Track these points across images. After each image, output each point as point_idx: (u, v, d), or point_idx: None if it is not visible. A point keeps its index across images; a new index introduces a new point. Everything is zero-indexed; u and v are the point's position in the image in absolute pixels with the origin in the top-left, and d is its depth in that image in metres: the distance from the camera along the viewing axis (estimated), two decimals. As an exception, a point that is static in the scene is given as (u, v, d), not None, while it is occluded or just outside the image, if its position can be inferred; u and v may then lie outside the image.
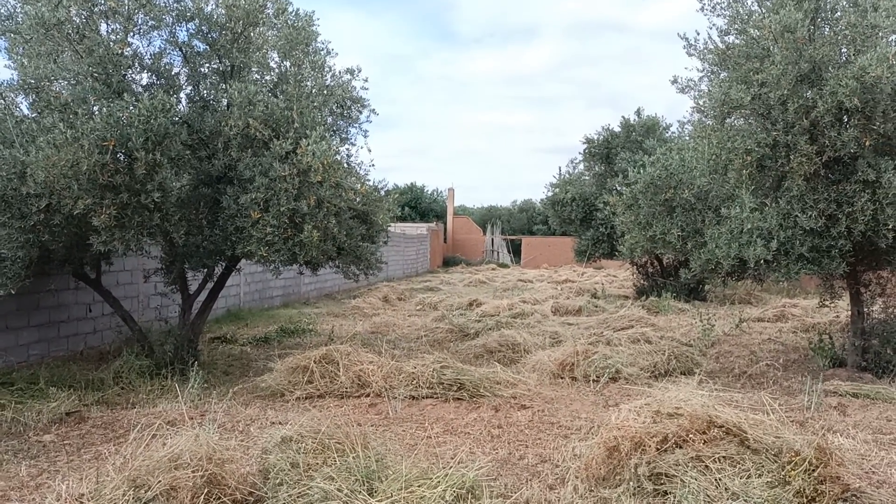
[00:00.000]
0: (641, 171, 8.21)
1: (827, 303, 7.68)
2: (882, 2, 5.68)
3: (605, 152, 16.76)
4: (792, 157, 5.88)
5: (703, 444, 3.58)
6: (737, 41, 6.26)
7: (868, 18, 5.64)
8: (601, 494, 3.60)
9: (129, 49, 6.02)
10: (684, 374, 7.04)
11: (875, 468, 4.14)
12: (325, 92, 6.84)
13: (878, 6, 5.68)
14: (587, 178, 17.55)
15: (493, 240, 38.38)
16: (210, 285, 7.47)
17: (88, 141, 5.13)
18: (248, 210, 5.88)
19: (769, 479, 3.41)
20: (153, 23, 6.21)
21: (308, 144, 5.76)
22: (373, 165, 7.69)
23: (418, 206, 43.49)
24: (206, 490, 3.21)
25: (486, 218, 43.23)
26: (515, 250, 37.55)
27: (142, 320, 7.96)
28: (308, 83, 6.83)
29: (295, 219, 5.90)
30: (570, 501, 3.56)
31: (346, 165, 6.63)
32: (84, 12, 5.85)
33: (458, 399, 5.95)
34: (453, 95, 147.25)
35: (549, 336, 9.05)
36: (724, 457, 3.53)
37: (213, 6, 6.45)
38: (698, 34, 6.50)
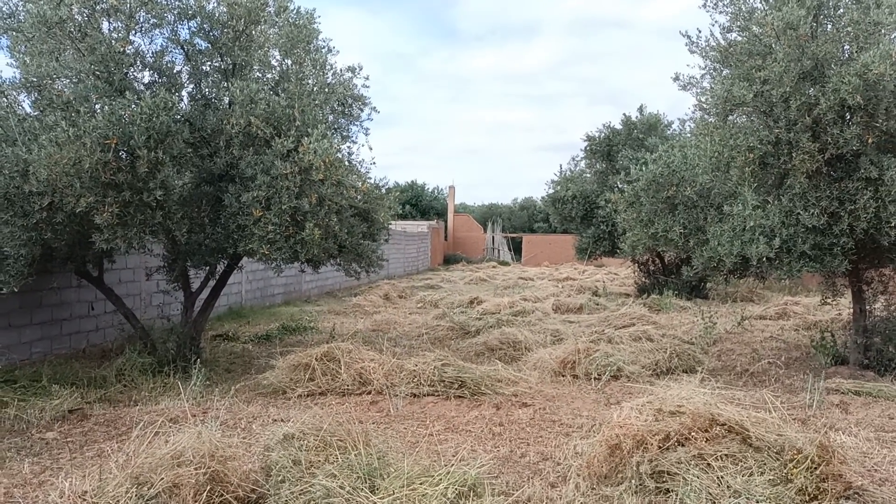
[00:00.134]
0: (644, 169, 8.20)
1: (829, 300, 7.67)
2: (885, -1, 5.67)
3: (607, 150, 16.74)
4: (794, 154, 5.87)
5: (706, 441, 3.58)
6: (739, 38, 6.25)
7: (871, 15, 5.63)
8: (603, 492, 3.60)
9: (130, 47, 6.02)
10: (686, 372, 7.04)
11: (877, 466, 4.14)
12: (326, 90, 6.84)
13: (882, 3, 5.67)
14: (588, 175, 17.53)
15: (493, 237, 38.35)
16: (212, 283, 7.48)
17: (91, 139, 5.13)
18: (250, 208, 5.88)
19: (771, 477, 3.41)
20: (155, 21, 6.20)
21: (310, 143, 5.77)
22: (374, 163, 7.70)
23: (419, 203, 43.46)
24: (208, 487, 3.22)
25: (487, 216, 43.20)
26: (516, 248, 37.54)
27: (144, 318, 7.97)
28: (309, 81, 6.83)
29: (296, 217, 5.90)
30: (571, 499, 3.56)
31: (347, 163, 6.63)
32: (86, 10, 5.85)
33: (460, 397, 5.96)
34: (454, 93, 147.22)
35: (550, 334, 9.05)
36: (726, 455, 3.53)
37: (215, 4, 6.44)
38: (700, 32, 6.50)
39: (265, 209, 5.88)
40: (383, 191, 7.22)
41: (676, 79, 6.74)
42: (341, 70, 7.08)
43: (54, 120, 5.23)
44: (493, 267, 29.00)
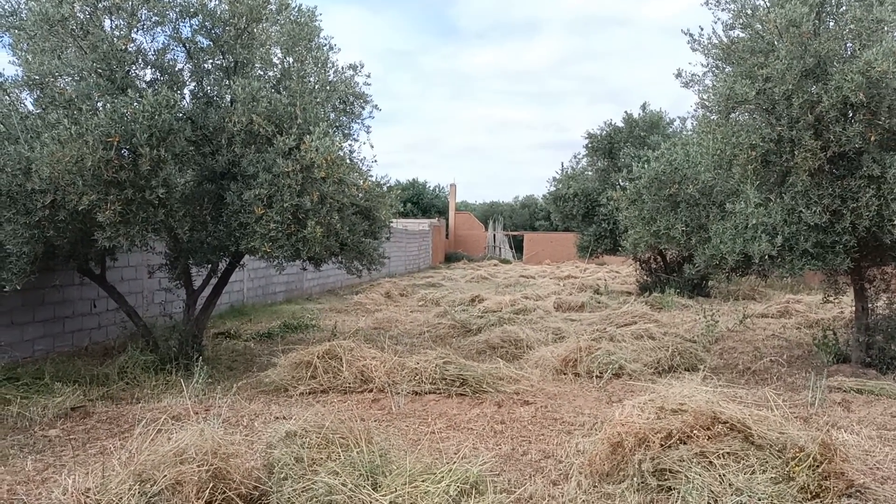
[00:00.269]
0: (646, 166, 8.20)
1: (831, 299, 7.66)
2: (888, -4, 5.65)
3: (608, 147, 16.72)
4: (796, 152, 5.86)
5: (707, 439, 3.58)
6: (741, 35, 6.24)
7: (874, 13, 5.61)
8: (605, 490, 3.60)
9: (132, 45, 6.02)
10: (688, 371, 7.04)
11: (879, 464, 4.14)
12: (327, 88, 6.83)
13: (884, 0, 5.65)
14: (590, 173, 17.52)
15: (495, 235, 38.35)
16: (214, 281, 7.49)
17: (93, 137, 5.13)
18: (252, 206, 5.89)
19: (773, 475, 3.41)
20: (157, 18, 6.20)
21: (311, 140, 5.76)
22: (375, 161, 7.72)
23: (420, 201, 43.45)
24: (211, 484, 3.22)
25: (489, 213, 43.17)
26: (517, 246, 37.53)
27: (146, 316, 7.98)
28: (311, 79, 6.83)
29: (298, 215, 5.91)
30: (573, 497, 3.56)
31: (349, 161, 6.63)
32: (88, 8, 5.85)
33: (461, 395, 5.96)
34: (455, 91, 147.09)
35: (551, 332, 9.05)
36: (728, 453, 3.53)
37: (217, 2, 6.44)
38: (702, 29, 6.49)
39: (267, 207, 5.88)
40: (385, 189, 7.22)
41: (679, 75, 6.73)
42: (343, 68, 7.07)
43: (56, 118, 5.24)
44: (495, 265, 29.01)
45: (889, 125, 5.63)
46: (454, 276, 22.43)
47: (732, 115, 6.42)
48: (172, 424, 4.07)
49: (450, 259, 34.14)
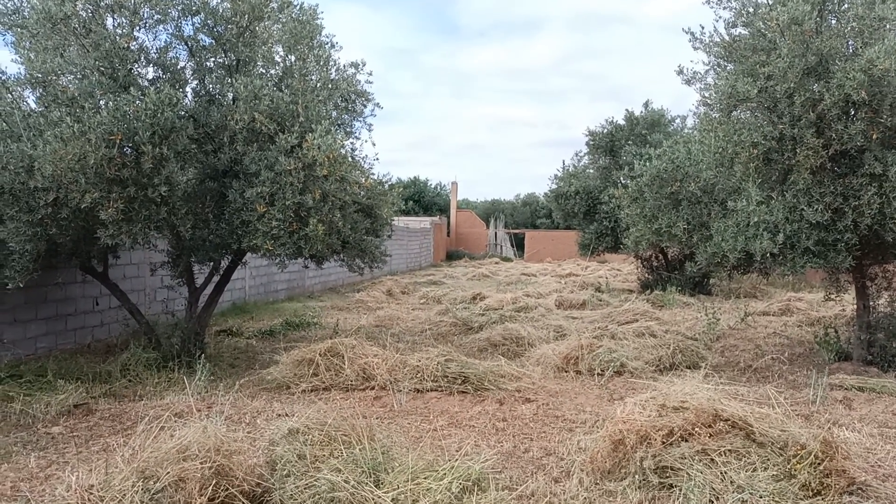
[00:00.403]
0: (647, 164, 8.19)
1: (832, 297, 7.66)
2: (890, -6, 5.64)
3: (610, 145, 16.70)
4: (798, 150, 5.86)
5: (709, 437, 3.59)
6: (743, 33, 6.23)
7: (876, 10, 5.61)
8: (606, 487, 3.61)
9: (135, 43, 6.03)
10: (689, 368, 7.04)
11: (880, 461, 4.15)
12: (329, 86, 6.84)
13: (887, -2, 5.65)
14: (591, 171, 17.50)
15: (496, 233, 38.35)
16: (216, 279, 7.50)
17: (95, 135, 5.14)
18: (254, 204, 5.90)
19: (775, 473, 3.42)
20: (159, 17, 6.21)
21: (313, 138, 5.77)
22: (377, 159, 7.69)
23: (422, 199, 43.43)
24: (213, 481, 3.23)
25: (490, 211, 43.14)
26: (519, 244, 37.52)
27: (149, 313, 8.00)
28: (313, 77, 6.83)
29: (300, 212, 5.91)
30: (575, 494, 3.58)
31: (350, 159, 6.64)
32: (90, 6, 5.86)
33: (463, 392, 5.97)
34: (457, 89, 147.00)
35: (553, 330, 9.05)
36: (729, 450, 3.54)
37: (219, 0, 6.45)
38: (703, 28, 6.49)
39: (269, 205, 5.89)
40: (386, 187, 7.23)
41: (680, 72, 6.73)
42: (344, 66, 7.08)
43: (59, 116, 5.25)
44: (496, 263, 29.01)
45: (891, 123, 5.62)
46: (455, 274, 22.44)
47: (734, 112, 6.41)
48: (175, 421, 4.08)
49: (451, 257, 34.15)
